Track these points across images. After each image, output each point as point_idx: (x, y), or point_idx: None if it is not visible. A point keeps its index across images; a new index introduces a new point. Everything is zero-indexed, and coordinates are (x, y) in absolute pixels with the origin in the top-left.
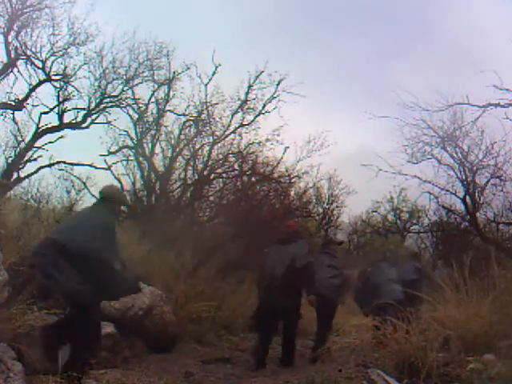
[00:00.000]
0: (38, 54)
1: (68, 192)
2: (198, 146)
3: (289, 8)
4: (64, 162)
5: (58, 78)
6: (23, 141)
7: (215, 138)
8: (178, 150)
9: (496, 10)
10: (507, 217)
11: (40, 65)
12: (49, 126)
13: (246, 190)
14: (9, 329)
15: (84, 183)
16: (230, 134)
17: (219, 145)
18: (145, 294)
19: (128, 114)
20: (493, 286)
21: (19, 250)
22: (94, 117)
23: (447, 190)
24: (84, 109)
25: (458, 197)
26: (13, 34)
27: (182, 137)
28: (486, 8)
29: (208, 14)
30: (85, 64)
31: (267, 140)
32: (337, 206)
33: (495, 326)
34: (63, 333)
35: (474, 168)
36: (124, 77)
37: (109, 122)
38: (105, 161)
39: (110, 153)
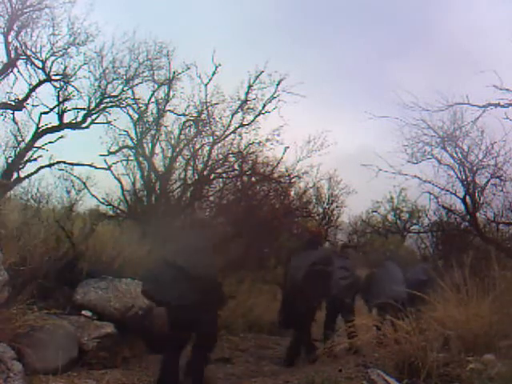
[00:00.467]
0: (38, 54)
1: (68, 192)
2: (198, 146)
3: (289, 8)
4: (64, 162)
5: (58, 78)
6: (23, 141)
7: (215, 138)
8: (178, 150)
9: (496, 10)
10: (507, 217)
11: (40, 65)
12: (49, 126)
13: (246, 190)
14: (9, 329)
15: (84, 183)
16: (230, 134)
17: (219, 145)
18: None
19: (128, 114)
20: (493, 285)
21: (19, 250)
22: (94, 117)
23: (447, 190)
24: (84, 109)
25: (458, 197)
26: (13, 34)
27: (182, 137)
28: (486, 8)
29: (208, 13)
30: (85, 64)
31: (267, 140)
32: (337, 206)
33: (495, 326)
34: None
35: (474, 168)
36: (124, 77)
37: (109, 122)
38: (105, 161)
39: (110, 153)
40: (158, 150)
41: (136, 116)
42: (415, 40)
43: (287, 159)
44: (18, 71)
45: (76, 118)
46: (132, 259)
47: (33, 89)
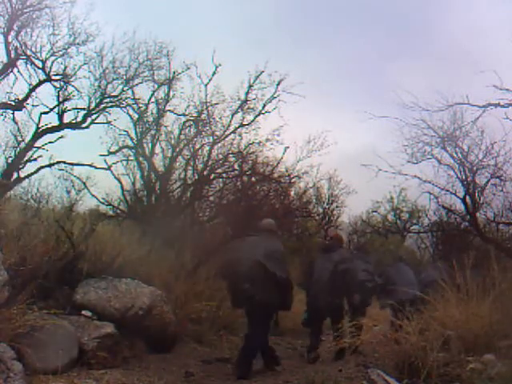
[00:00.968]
0: (38, 54)
1: (68, 192)
2: (198, 146)
3: (289, 8)
4: (64, 162)
5: (58, 78)
6: (23, 141)
7: (215, 138)
8: (178, 150)
9: (496, 10)
10: (507, 217)
11: (40, 65)
12: (49, 126)
13: (246, 190)
14: (9, 329)
15: (84, 183)
16: (230, 134)
17: (219, 145)
18: (145, 294)
19: (128, 114)
20: (493, 286)
21: (19, 250)
22: (94, 117)
23: (447, 190)
24: (84, 109)
25: (458, 197)
26: (13, 34)
27: (182, 137)
28: (486, 8)
29: (208, 14)
30: (85, 64)
31: (267, 140)
32: (337, 206)
33: (495, 326)
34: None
35: (474, 168)
36: (124, 77)
37: (109, 122)
38: (105, 161)
39: (110, 153)
40: (158, 149)
41: (136, 116)
42: (415, 40)
43: (287, 159)
44: (18, 71)
45: (76, 118)
46: (132, 259)
47: (33, 89)
